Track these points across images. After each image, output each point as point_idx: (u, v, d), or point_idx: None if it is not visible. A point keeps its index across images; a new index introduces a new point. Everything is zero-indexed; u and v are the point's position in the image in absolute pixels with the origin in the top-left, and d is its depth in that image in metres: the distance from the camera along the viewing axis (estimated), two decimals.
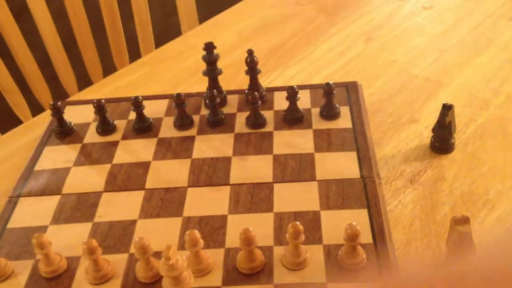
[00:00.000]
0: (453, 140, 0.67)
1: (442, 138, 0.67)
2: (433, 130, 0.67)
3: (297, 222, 0.52)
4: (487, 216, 0.58)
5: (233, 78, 0.83)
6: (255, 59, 0.74)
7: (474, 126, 0.70)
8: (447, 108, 0.65)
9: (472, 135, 0.69)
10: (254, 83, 0.76)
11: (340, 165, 0.65)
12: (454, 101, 0.71)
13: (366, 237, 0.55)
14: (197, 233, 0.52)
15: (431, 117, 0.72)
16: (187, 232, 0.52)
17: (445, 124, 0.66)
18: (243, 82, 0.83)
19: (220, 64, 0.76)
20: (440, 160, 0.66)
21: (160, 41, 1.06)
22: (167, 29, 1.32)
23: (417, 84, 0.79)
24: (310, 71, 0.84)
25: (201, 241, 0.52)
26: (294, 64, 0.86)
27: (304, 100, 0.75)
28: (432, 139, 0.68)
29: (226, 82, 0.78)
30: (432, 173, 0.65)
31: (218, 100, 0.73)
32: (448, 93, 0.76)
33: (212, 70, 0.76)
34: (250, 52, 0.74)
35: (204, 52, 0.75)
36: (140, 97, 0.72)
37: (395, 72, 0.82)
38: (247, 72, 0.75)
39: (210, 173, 0.66)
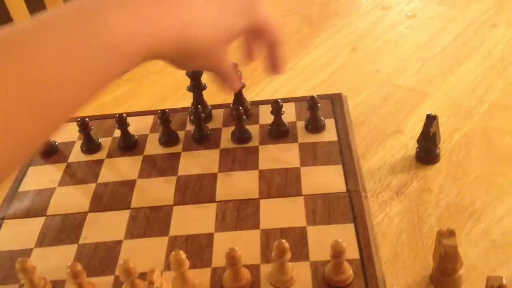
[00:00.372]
0: (438, 151, 0.67)
1: (427, 149, 0.67)
2: (418, 141, 0.67)
3: (283, 240, 0.51)
4: (473, 228, 0.58)
5: (218, 93, 0.82)
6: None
7: (458, 136, 0.70)
8: (431, 119, 0.65)
9: (457, 145, 0.69)
10: (238, 97, 0.76)
11: (326, 179, 0.65)
12: (438, 111, 0.72)
13: (352, 252, 0.55)
14: (182, 254, 0.52)
15: (416, 127, 0.72)
16: (172, 253, 0.52)
17: (429, 135, 0.66)
18: (228, 96, 0.83)
19: (204, 79, 0.76)
20: (426, 171, 0.66)
21: None
22: None
23: (401, 94, 0.79)
24: (295, 83, 0.85)
25: (187, 261, 0.52)
26: (279, 77, 0.86)
27: (289, 114, 0.75)
28: (417, 150, 0.68)
29: (211, 97, 0.78)
30: (418, 184, 0.65)
31: (203, 115, 0.73)
32: (433, 103, 0.77)
33: (196, 85, 0.76)
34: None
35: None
36: (125, 115, 0.72)
37: (380, 83, 0.82)
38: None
39: (196, 190, 0.65)
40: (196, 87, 0.76)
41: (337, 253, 0.50)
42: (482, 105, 0.75)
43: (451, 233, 0.51)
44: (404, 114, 0.75)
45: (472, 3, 0.97)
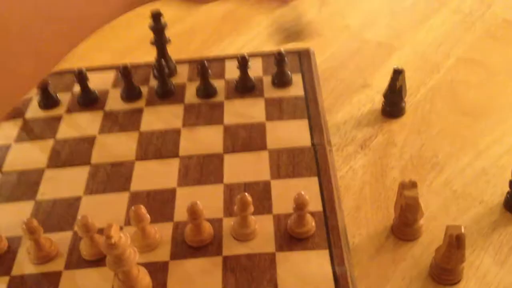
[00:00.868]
0: (403, 104, 0.67)
1: (393, 103, 0.67)
2: (384, 95, 0.67)
3: (246, 194, 0.50)
4: (435, 179, 0.59)
5: (184, 47, 0.80)
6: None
7: (424, 90, 0.70)
8: (397, 73, 0.64)
9: (423, 99, 0.69)
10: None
11: (292, 133, 0.64)
12: (406, 65, 0.71)
13: (316, 205, 0.54)
14: (142, 208, 0.51)
15: (384, 82, 0.71)
16: (133, 207, 0.51)
17: (395, 88, 0.65)
18: (194, 51, 0.81)
19: (169, 33, 0.73)
20: (391, 125, 0.66)
21: None
22: None
23: (369, 49, 0.78)
24: (262, 38, 0.82)
25: (147, 216, 0.51)
26: (247, 31, 0.84)
27: (256, 69, 0.73)
28: (383, 104, 0.67)
29: (176, 51, 0.75)
30: (383, 138, 0.65)
31: (166, 70, 0.71)
32: (400, 57, 0.76)
33: (159, 40, 0.73)
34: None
35: (151, 21, 0.72)
36: (85, 69, 0.69)
37: (348, 37, 0.81)
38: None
39: (159, 145, 0.64)
40: (160, 41, 0.73)
41: (300, 205, 0.50)
42: (448, 59, 0.74)
43: (412, 185, 0.51)
44: (372, 68, 0.74)
45: None
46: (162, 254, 0.52)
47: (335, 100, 0.70)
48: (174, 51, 0.75)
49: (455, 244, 0.46)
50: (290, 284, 0.48)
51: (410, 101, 0.68)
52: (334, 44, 0.80)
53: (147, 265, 0.50)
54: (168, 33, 0.72)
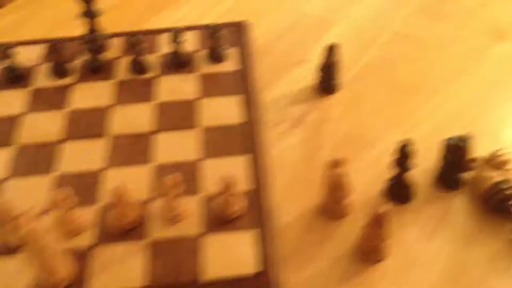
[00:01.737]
0: (338, 80, 0.66)
1: (328, 79, 0.66)
2: (319, 70, 0.66)
3: (172, 175, 0.49)
4: (366, 155, 0.59)
5: (118, 21, 0.77)
6: None
7: (360, 65, 0.70)
8: (332, 48, 0.64)
9: (358, 75, 0.69)
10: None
11: (224, 110, 0.63)
12: (342, 40, 0.70)
13: (248, 183, 0.54)
14: (63, 193, 0.49)
15: (317, 59, 0.70)
16: (54, 192, 0.49)
17: (330, 64, 0.65)
18: (129, 24, 0.78)
19: (103, 4, 0.70)
20: (326, 101, 0.66)
21: None
22: None
23: (307, 23, 0.77)
24: (199, 12, 0.80)
25: (71, 200, 0.49)
26: (179, 7, 0.82)
27: (191, 43, 0.71)
28: (318, 80, 0.67)
29: (110, 24, 0.72)
30: (318, 114, 0.64)
31: (98, 44, 0.68)
32: (337, 32, 0.75)
33: (90, 11, 0.70)
34: None
35: None
36: (11, 43, 0.66)
37: (286, 11, 0.79)
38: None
39: (88, 124, 0.62)
40: (90, 13, 0.70)
41: (226, 187, 0.49)
42: (383, 35, 0.74)
43: (338, 163, 0.51)
44: (309, 43, 0.74)
45: None
46: (87, 239, 0.50)
47: (271, 75, 0.69)
48: (108, 24, 0.72)
49: (377, 224, 0.47)
50: (216, 266, 0.48)
51: (345, 76, 0.68)
52: (271, 17, 0.78)
53: (70, 251, 0.49)
54: (102, 4, 0.69)
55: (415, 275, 0.49)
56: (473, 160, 0.54)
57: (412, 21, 0.76)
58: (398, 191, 0.53)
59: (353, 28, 0.76)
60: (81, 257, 0.49)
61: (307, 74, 0.69)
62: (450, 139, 0.54)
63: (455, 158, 0.54)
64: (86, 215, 0.52)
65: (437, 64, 0.70)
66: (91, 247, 0.50)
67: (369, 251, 0.49)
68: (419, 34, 0.74)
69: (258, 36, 0.74)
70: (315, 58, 0.71)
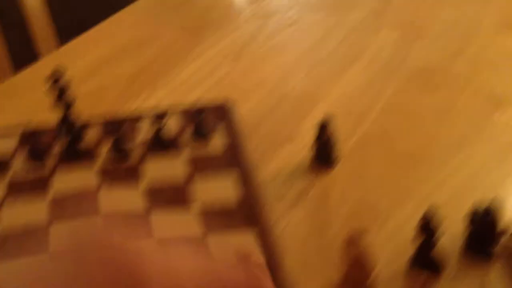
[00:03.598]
0: (334, 156, 0.64)
1: (323, 155, 0.63)
2: (313, 147, 0.63)
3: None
4: (381, 228, 0.55)
5: (92, 108, 0.73)
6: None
7: (353, 141, 0.68)
8: (324, 126, 0.62)
9: (353, 150, 0.66)
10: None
11: (218, 190, 0.58)
12: (332, 115, 0.68)
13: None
14: None
15: (309, 134, 0.67)
16: None
17: (323, 140, 0.62)
18: (102, 111, 0.74)
19: (77, 93, 0.66)
20: (324, 177, 0.62)
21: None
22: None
23: (293, 99, 0.75)
24: (176, 97, 0.77)
25: None
26: (159, 89, 0.79)
27: (172, 126, 0.68)
28: (312, 156, 0.64)
29: (85, 111, 0.68)
30: (319, 189, 0.61)
31: (73, 132, 0.63)
32: (326, 107, 0.73)
33: (62, 101, 0.65)
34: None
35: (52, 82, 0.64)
36: None
37: (266, 92, 0.78)
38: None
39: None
40: (63, 102, 0.65)
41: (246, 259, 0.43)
42: (374, 108, 0.73)
43: (356, 239, 0.47)
44: (295, 122, 0.71)
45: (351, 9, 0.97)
46: None
47: (260, 156, 0.66)
48: (84, 111, 0.68)
49: None
50: None
51: (342, 150, 0.65)
52: (253, 99, 0.76)
53: None
54: (77, 90, 0.65)
55: None
56: (504, 231, 0.50)
57: (402, 94, 0.75)
58: (428, 261, 0.49)
59: (342, 102, 0.74)
60: None
61: (301, 149, 0.66)
62: (475, 212, 0.50)
63: (483, 231, 0.50)
64: None
65: (437, 134, 0.68)
66: None
67: None
68: (412, 106, 0.73)
69: (243, 115, 0.72)
70: (305, 136, 0.68)
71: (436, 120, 0.71)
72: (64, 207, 0.55)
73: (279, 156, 0.65)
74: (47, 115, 0.71)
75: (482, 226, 0.50)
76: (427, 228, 0.48)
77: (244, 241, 0.51)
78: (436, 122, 0.70)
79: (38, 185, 0.59)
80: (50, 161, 0.62)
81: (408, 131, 0.69)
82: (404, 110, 0.73)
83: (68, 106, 0.66)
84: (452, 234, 0.52)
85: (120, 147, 0.63)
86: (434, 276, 0.50)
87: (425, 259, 0.49)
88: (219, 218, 0.54)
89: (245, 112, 0.73)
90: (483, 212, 0.49)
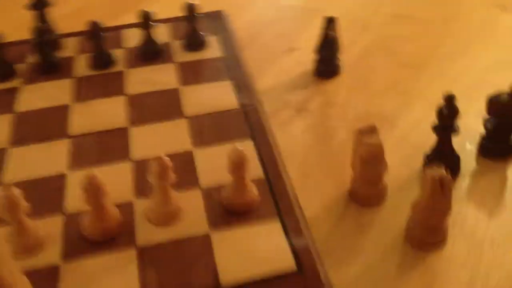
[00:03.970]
0: (338, 62, 0.57)
1: (327, 59, 0.57)
2: (317, 51, 0.57)
3: (163, 156, 0.37)
4: (388, 134, 0.49)
5: (71, 19, 0.66)
6: None
7: (358, 49, 0.61)
8: (331, 21, 0.55)
9: (357, 57, 0.60)
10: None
11: (213, 96, 0.52)
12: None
13: (255, 171, 0.42)
14: (16, 194, 0.36)
15: (311, 44, 0.61)
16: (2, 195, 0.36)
17: (329, 40, 0.55)
18: (84, 22, 0.67)
19: (66, 7, 0.59)
20: (328, 85, 0.56)
21: None
22: None
23: (292, 14, 0.69)
24: (170, 8, 0.70)
25: (23, 204, 0.36)
26: (152, 3, 0.72)
27: (163, 34, 0.61)
28: (317, 63, 0.57)
29: (63, 23, 0.62)
30: (321, 99, 0.54)
31: (51, 39, 0.57)
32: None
33: (38, 3, 0.59)
34: None
35: None
36: None
37: (267, 4, 0.71)
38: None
39: (40, 126, 0.49)
40: (38, 5, 0.59)
41: (238, 163, 0.37)
42: (377, 17, 0.67)
43: (372, 130, 0.41)
44: (296, 33, 0.65)
45: None
46: (50, 256, 0.37)
47: (259, 65, 0.59)
48: (65, 27, 0.61)
49: (439, 189, 0.36)
50: (235, 268, 0.35)
51: (343, 60, 0.58)
52: (250, 11, 0.69)
53: (29, 274, 0.35)
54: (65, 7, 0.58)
55: (489, 256, 0.38)
56: None
57: (404, 4, 0.69)
58: (444, 161, 0.43)
59: (344, 15, 0.67)
60: (45, 280, 0.35)
61: (300, 60, 0.60)
62: (494, 96, 0.44)
63: (504, 119, 0.44)
64: (49, 226, 0.38)
65: (443, 39, 0.62)
66: (56, 267, 0.36)
67: (429, 231, 0.38)
68: (415, 15, 0.67)
69: (240, 27, 0.65)
70: (307, 46, 0.61)
71: (441, 26, 0.65)
72: (27, 126, 0.49)
73: (278, 67, 0.59)
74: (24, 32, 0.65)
75: (500, 117, 0.44)
76: (444, 122, 0.41)
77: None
78: (441, 28, 0.65)
79: (2, 102, 0.52)
80: (20, 75, 0.56)
81: (413, 39, 0.63)
82: (407, 19, 0.66)
83: (42, 10, 0.59)
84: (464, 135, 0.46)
85: (102, 54, 0.56)
86: (452, 174, 0.44)
87: (442, 160, 0.43)
88: (211, 128, 0.48)
89: (241, 25, 0.66)
90: (501, 102, 0.43)
